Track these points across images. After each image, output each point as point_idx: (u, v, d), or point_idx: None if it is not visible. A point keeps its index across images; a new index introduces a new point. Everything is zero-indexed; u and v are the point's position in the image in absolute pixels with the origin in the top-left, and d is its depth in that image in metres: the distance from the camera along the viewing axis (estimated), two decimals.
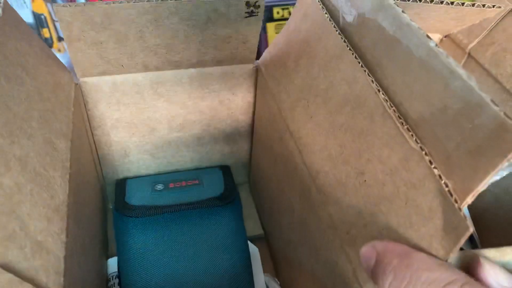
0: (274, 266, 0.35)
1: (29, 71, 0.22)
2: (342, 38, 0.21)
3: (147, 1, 0.24)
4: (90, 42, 0.26)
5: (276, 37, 0.29)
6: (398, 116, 0.17)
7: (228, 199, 0.33)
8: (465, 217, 0.13)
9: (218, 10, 0.25)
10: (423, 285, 0.14)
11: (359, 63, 0.20)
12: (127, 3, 0.24)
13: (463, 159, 0.14)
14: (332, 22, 0.22)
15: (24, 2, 0.50)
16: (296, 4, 0.26)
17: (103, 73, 0.29)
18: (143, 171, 0.37)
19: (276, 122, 0.28)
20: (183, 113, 0.33)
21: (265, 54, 0.30)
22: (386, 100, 0.18)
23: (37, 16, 0.52)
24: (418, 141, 0.16)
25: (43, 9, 0.51)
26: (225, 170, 0.37)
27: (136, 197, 0.32)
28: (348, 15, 0.21)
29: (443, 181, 0.14)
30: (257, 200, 0.39)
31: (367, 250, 0.17)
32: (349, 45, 0.21)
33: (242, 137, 0.37)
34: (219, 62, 0.30)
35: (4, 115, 0.18)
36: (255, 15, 0.26)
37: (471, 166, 0.13)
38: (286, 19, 0.48)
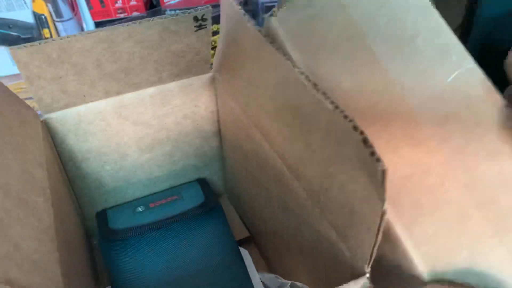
0: (266, 263, 0.38)
1: None
2: (258, 31, 0.23)
3: (100, 31, 0.27)
4: (50, 78, 0.28)
5: (217, 43, 0.32)
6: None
7: (210, 205, 0.36)
8: None
9: (168, 28, 0.28)
10: None
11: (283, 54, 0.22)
12: (80, 35, 0.27)
13: None
14: (246, 14, 0.24)
15: (25, 3, 0.52)
16: (220, 8, 0.30)
17: (66, 106, 0.31)
18: (120, 200, 0.39)
19: (240, 121, 0.32)
20: (150, 132, 0.36)
21: (215, 61, 0.34)
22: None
23: (37, 17, 0.54)
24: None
25: (44, 10, 0.54)
26: (202, 182, 0.40)
27: (119, 221, 0.34)
28: None
29: None
30: (238, 205, 0.42)
31: None
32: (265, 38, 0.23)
33: (212, 147, 0.40)
34: (177, 77, 0.33)
35: None
36: (204, 28, 0.30)
37: None
38: None
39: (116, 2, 0.63)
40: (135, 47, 0.29)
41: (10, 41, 0.57)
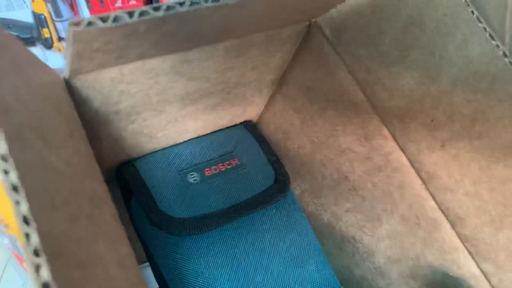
0: None
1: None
2: None
3: None
4: None
5: None
6: None
7: (285, 185, 0.28)
8: None
9: None
10: None
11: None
12: None
13: None
14: None
15: (24, 2, 0.54)
16: None
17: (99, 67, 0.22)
18: (138, 152, 0.29)
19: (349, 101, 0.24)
20: (204, 87, 0.28)
21: (335, 14, 0.26)
22: None
23: (37, 16, 0.56)
24: None
25: (43, 9, 0.56)
26: (251, 129, 0.32)
27: (173, 202, 0.25)
28: None
29: None
30: None
31: None
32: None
33: (263, 95, 0.32)
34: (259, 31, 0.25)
35: None
36: None
37: None
38: None
39: (116, 2, 0.61)
40: None
41: None
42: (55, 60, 0.59)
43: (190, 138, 0.31)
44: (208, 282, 0.23)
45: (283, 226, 0.27)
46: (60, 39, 0.58)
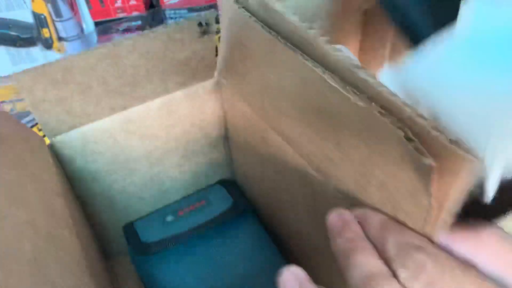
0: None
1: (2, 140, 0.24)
2: (267, 31, 0.23)
3: (103, 47, 0.26)
4: (54, 100, 0.27)
5: (220, 47, 0.32)
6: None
7: (240, 207, 0.36)
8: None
9: (173, 37, 0.28)
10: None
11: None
12: (84, 53, 0.26)
13: None
14: (252, 17, 0.24)
15: (24, 2, 0.54)
16: (220, 11, 0.29)
17: (72, 127, 0.30)
18: (133, 216, 0.38)
19: (254, 125, 0.31)
20: (158, 145, 0.35)
21: (218, 66, 0.33)
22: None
23: (37, 16, 0.56)
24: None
25: (43, 9, 0.55)
26: (225, 183, 0.40)
27: (151, 234, 0.34)
28: None
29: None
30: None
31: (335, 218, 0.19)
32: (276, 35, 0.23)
33: (220, 153, 0.40)
34: (182, 85, 0.32)
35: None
36: (208, 33, 0.29)
37: None
38: None
39: (116, 2, 0.62)
40: (140, 59, 0.28)
41: (9, 41, 0.58)
42: None
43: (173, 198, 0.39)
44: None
45: (236, 239, 0.35)
46: (60, 39, 0.59)
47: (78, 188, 0.34)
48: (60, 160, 0.31)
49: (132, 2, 0.63)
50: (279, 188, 0.32)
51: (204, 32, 0.29)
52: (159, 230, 0.35)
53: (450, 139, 0.16)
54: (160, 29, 0.27)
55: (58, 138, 0.30)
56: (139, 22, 0.64)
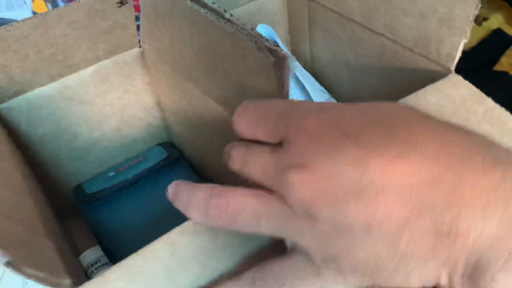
0: None
1: None
2: None
3: (35, 17, 0.32)
4: None
5: (140, 17, 0.38)
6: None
7: (171, 158, 0.42)
8: None
9: (94, 7, 0.34)
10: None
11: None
12: (17, 23, 0.31)
13: None
14: None
15: (24, 2, 0.54)
16: None
17: (16, 94, 0.35)
18: (81, 180, 0.43)
19: (173, 81, 0.37)
20: (96, 110, 0.40)
21: (141, 34, 0.39)
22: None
23: None
24: None
25: (43, 9, 0.55)
26: (164, 143, 0.46)
27: (95, 186, 0.40)
28: None
29: None
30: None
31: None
32: None
33: (156, 118, 0.45)
34: (111, 53, 0.38)
35: None
36: (126, 3, 0.35)
37: None
38: None
39: None
40: (67, 29, 0.34)
41: None
42: None
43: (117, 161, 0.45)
44: (118, 227, 0.37)
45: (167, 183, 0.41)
46: None
47: (26, 154, 0.38)
48: (6, 126, 0.36)
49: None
50: (203, 135, 0.39)
51: (122, 3, 0.35)
52: (102, 183, 0.40)
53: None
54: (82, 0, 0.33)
55: (3, 105, 0.35)
56: None
